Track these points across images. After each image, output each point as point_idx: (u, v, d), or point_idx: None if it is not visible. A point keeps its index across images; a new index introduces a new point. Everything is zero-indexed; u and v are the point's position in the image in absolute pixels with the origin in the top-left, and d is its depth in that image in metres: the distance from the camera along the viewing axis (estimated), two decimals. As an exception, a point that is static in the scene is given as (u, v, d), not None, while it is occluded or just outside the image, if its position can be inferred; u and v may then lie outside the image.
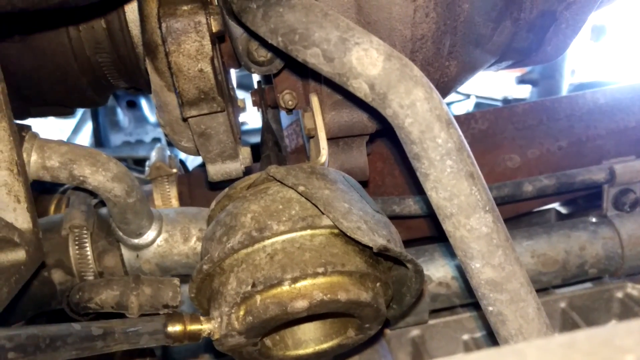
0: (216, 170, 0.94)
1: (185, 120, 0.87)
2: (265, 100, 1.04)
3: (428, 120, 0.65)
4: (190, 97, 0.81)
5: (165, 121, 0.93)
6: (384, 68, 0.67)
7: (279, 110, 1.13)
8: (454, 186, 0.66)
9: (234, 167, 0.94)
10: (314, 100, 0.89)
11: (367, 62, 0.67)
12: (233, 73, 1.27)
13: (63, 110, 1.15)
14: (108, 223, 1.01)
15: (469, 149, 0.67)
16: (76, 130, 2.50)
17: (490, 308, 0.71)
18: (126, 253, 1.01)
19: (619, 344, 0.34)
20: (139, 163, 2.15)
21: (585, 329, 0.36)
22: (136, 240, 1.00)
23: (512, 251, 0.69)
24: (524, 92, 2.20)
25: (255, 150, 1.02)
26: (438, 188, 0.67)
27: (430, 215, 1.05)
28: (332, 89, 0.88)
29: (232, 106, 1.00)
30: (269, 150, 1.00)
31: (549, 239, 1.18)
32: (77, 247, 0.98)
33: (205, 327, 0.77)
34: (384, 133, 1.00)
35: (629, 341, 0.34)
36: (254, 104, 1.05)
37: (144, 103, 2.41)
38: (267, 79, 1.00)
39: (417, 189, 1.15)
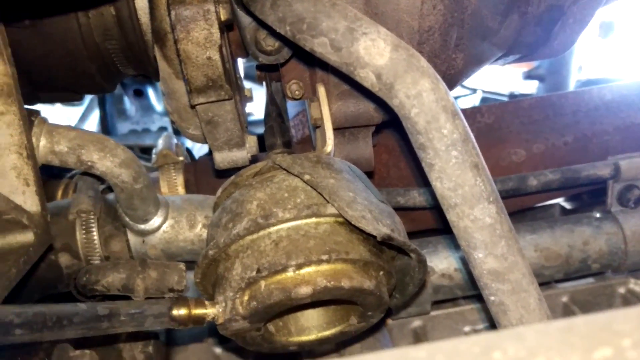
0: (222, 158, 0.95)
1: (193, 107, 0.87)
2: (270, 75, 1.05)
3: (434, 111, 0.65)
4: (198, 85, 0.82)
5: (173, 108, 0.94)
6: (391, 58, 0.67)
7: (285, 101, 1.13)
8: (459, 176, 0.67)
9: (240, 155, 0.95)
10: (321, 90, 0.89)
11: (375, 52, 0.68)
12: (240, 63, 1.27)
13: (72, 96, 1.16)
14: (115, 208, 1.02)
15: (474, 140, 0.68)
16: (83, 118, 2.51)
17: (492, 298, 0.72)
18: (132, 238, 1.02)
19: (616, 328, 0.34)
20: (146, 151, 2.16)
21: (584, 315, 0.37)
22: (142, 226, 1.01)
23: (515, 242, 0.69)
24: (531, 87, 2.19)
25: (262, 140, 1.03)
26: (443, 178, 0.68)
27: (435, 207, 1.06)
28: (339, 79, 0.88)
29: (240, 95, 1.01)
30: (273, 121, 1.01)
31: (553, 234, 1.18)
32: (84, 231, 0.99)
33: (209, 311, 0.78)
34: (390, 124, 1.00)
35: (627, 326, 0.34)
36: (259, 78, 1.06)
37: (151, 92, 2.42)
38: (274, 68, 1.00)
39: (422, 181, 1.16)
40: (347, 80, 0.88)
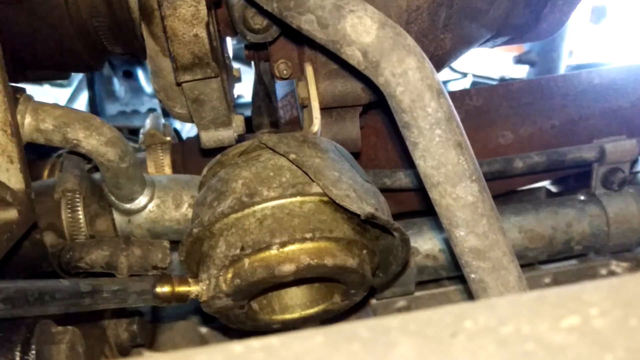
0: (209, 137, 0.95)
1: (179, 85, 0.87)
2: (258, 54, 1.05)
3: (419, 90, 0.65)
4: (185, 62, 0.82)
5: (159, 86, 0.93)
6: (378, 36, 0.67)
7: (274, 82, 1.13)
8: (442, 155, 0.67)
9: (226, 134, 0.95)
10: (309, 69, 0.89)
11: (361, 29, 0.67)
12: (230, 44, 1.27)
13: (59, 74, 1.15)
14: (101, 187, 1.02)
15: (458, 119, 0.68)
16: (72, 99, 2.48)
17: (473, 275, 0.72)
18: (118, 218, 1.02)
19: (585, 298, 0.35)
20: (135, 133, 2.15)
21: (556, 287, 0.38)
22: (128, 205, 1.01)
23: (497, 221, 0.70)
24: (522, 72, 2.20)
25: (249, 122, 1.02)
26: (426, 157, 0.68)
27: (421, 189, 1.06)
28: (327, 58, 0.88)
29: (227, 74, 1.00)
30: (260, 101, 1.00)
31: (537, 215, 1.19)
32: (69, 210, 0.99)
33: (193, 289, 0.79)
34: (378, 105, 1.00)
35: (595, 296, 0.35)
36: (247, 57, 1.05)
37: (140, 73, 2.39)
38: (263, 47, 1.00)
39: (409, 163, 1.16)
40: (335, 60, 0.88)
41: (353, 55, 0.68)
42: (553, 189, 1.48)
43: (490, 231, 0.69)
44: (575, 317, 0.34)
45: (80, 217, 0.99)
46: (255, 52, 1.04)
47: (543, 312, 0.34)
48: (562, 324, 0.33)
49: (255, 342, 0.35)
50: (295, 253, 0.75)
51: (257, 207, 0.77)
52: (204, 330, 1.15)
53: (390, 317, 0.35)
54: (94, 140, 0.91)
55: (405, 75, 0.65)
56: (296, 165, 0.79)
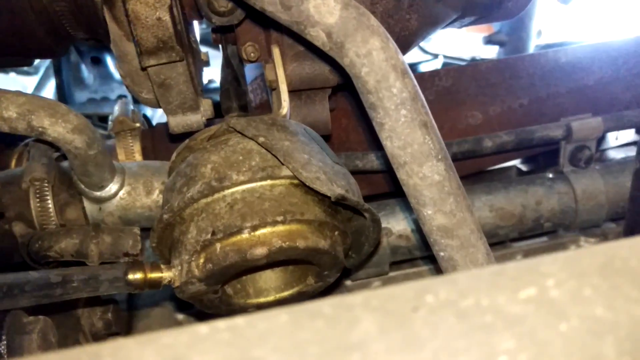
0: (177, 122, 0.94)
1: (144, 69, 0.86)
2: (226, 37, 1.04)
3: (384, 70, 0.66)
4: (149, 46, 0.81)
5: (125, 72, 0.92)
6: (341, 17, 0.67)
7: (243, 65, 1.12)
8: (408, 135, 0.68)
9: (195, 119, 0.94)
10: (276, 52, 0.89)
11: (324, 10, 0.67)
12: (197, 27, 1.25)
13: (22, 61, 1.12)
14: (70, 176, 1.00)
15: (423, 98, 0.69)
16: (39, 87, 2.43)
17: (442, 253, 0.74)
18: (88, 206, 1.01)
19: (542, 270, 0.36)
20: (105, 120, 2.11)
21: (515, 261, 0.39)
22: (98, 193, 0.99)
23: (464, 199, 0.71)
24: (492, 52, 2.21)
25: (218, 106, 1.02)
26: (392, 137, 0.69)
27: (392, 171, 1.07)
28: (293, 40, 0.88)
29: (194, 58, 0.99)
30: (228, 84, 1.00)
31: (507, 194, 1.21)
32: (38, 199, 0.97)
33: (165, 274, 0.78)
34: (347, 88, 1.00)
35: (552, 268, 0.36)
36: (214, 41, 1.04)
37: (109, 60, 2.35)
38: (230, 30, 0.99)
39: (380, 145, 1.17)
40: (301, 42, 0.87)
41: (317, 37, 0.68)
42: (523, 168, 1.51)
43: (457, 209, 0.70)
44: (532, 288, 0.34)
45: (50, 206, 0.97)
46: (223, 35, 1.03)
47: (502, 284, 0.35)
48: (519, 296, 0.34)
49: (221, 323, 0.35)
50: (266, 236, 0.75)
51: (227, 192, 0.77)
52: (180, 316, 1.15)
53: (353, 294, 0.36)
54: (60, 128, 0.89)
55: (370, 55, 0.66)
56: (265, 149, 0.78)
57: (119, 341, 0.35)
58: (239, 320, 0.35)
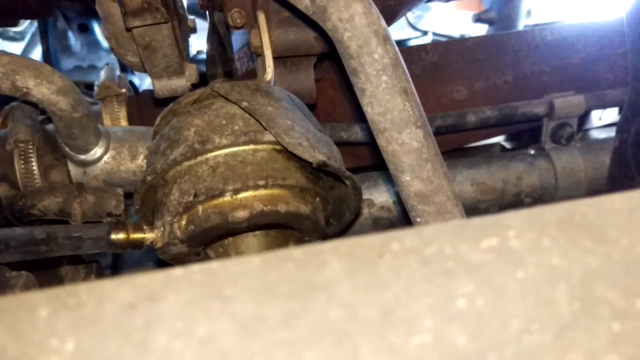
0: (162, 86, 0.94)
1: (128, 30, 0.86)
2: (212, 3, 1.04)
3: (366, 35, 0.66)
4: (133, 7, 0.80)
5: (110, 33, 0.92)
6: (325, -19, 0.67)
7: (229, 32, 1.12)
8: (388, 101, 0.69)
9: (180, 83, 0.94)
10: (261, 17, 0.89)
11: (309, -26, 0.67)
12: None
13: (6, 20, 1.12)
14: (54, 138, 1.00)
15: (404, 65, 0.70)
16: (25, 53, 2.41)
17: (419, 219, 0.75)
18: (73, 169, 1.01)
19: (505, 222, 0.38)
20: (91, 88, 2.10)
21: (478, 217, 0.40)
22: (83, 157, 1.00)
23: (441, 166, 0.73)
24: (481, 31, 2.22)
25: (204, 76, 1.02)
26: (373, 103, 0.70)
27: (375, 142, 1.08)
28: (279, 6, 0.88)
29: (180, 22, 0.99)
30: (214, 50, 1.00)
31: (489, 169, 1.23)
32: (22, 161, 0.97)
33: (148, 235, 0.80)
34: (332, 56, 1.01)
35: (515, 221, 0.38)
36: (201, 7, 1.04)
37: (96, 27, 2.33)
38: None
39: (365, 118, 1.18)
40: (287, 7, 0.88)
41: (300, 1, 0.69)
42: (507, 145, 1.53)
43: (434, 176, 0.72)
44: (494, 238, 0.36)
45: (34, 168, 0.97)
46: (209, 1, 1.03)
47: (465, 235, 0.37)
48: (481, 245, 0.36)
49: (195, 267, 0.36)
50: (248, 200, 0.76)
51: (210, 155, 0.78)
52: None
53: (323, 243, 0.37)
54: (44, 89, 0.89)
55: (352, 20, 0.66)
56: (248, 113, 0.79)
57: (96, 282, 0.36)
58: (213, 264, 0.36)
